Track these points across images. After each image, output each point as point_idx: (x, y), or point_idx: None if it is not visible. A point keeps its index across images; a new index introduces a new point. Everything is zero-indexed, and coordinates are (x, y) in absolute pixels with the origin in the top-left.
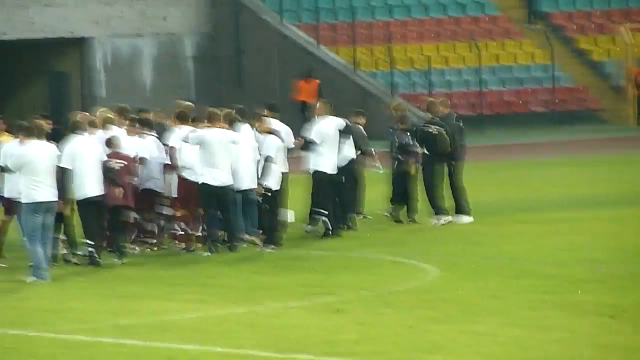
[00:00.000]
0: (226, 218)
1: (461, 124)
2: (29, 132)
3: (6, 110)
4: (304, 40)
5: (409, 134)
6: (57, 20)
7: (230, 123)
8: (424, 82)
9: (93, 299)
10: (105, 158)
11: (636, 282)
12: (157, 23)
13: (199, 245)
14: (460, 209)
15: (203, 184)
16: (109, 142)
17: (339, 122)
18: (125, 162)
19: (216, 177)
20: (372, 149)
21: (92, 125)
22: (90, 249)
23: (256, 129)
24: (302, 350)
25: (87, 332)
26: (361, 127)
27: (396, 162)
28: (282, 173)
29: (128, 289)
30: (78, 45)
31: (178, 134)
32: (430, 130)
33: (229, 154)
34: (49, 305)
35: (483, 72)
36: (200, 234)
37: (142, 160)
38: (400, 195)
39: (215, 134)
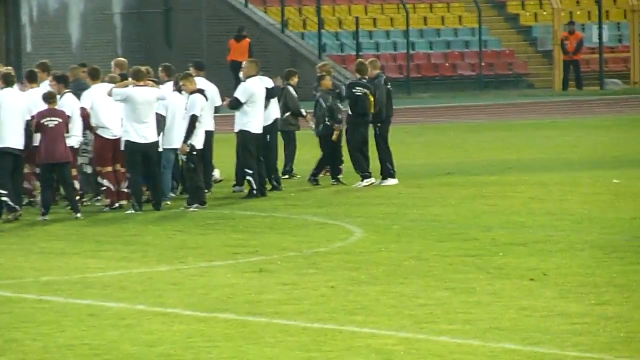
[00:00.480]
0: (151, 175)
1: (389, 86)
2: None
3: None
4: None
5: (331, 96)
6: None
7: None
8: (352, 44)
9: (16, 254)
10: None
11: (557, 246)
12: None
13: (124, 202)
14: (385, 172)
15: (127, 141)
16: (46, 98)
17: (266, 82)
18: (60, 120)
19: (141, 134)
20: (303, 110)
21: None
22: (3, 198)
23: (182, 88)
24: (225, 309)
25: (10, 288)
26: (292, 88)
27: (321, 125)
28: (208, 132)
29: (51, 246)
30: None
31: (92, 92)
32: (355, 91)
33: (153, 111)
34: None
35: (411, 35)
36: (125, 190)
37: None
38: (326, 157)
39: (141, 91)
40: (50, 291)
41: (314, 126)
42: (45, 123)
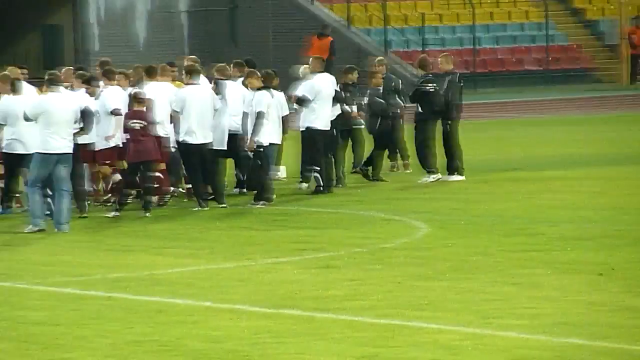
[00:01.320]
0: (207, 174)
1: (462, 83)
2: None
3: (0, 62)
4: None
5: (381, 90)
6: None
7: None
8: (418, 40)
9: (84, 252)
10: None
11: (625, 240)
12: None
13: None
14: (452, 168)
15: (184, 142)
16: (131, 100)
17: (333, 80)
18: (144, 122)
19: (198, 135)
20: (352, 107)
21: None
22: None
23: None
24: (291, 305)
25: (78, 285)
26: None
27: (375, 122)
28: (275, 129)
29: (119, 243)
30: None
31: (148, 89)
32: (423, 87)
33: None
34: (40, 258)
35: (477, 30)
36: (172, 189)
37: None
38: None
39: (195, 92)
40: (118, 288)
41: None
42: (132, 125)
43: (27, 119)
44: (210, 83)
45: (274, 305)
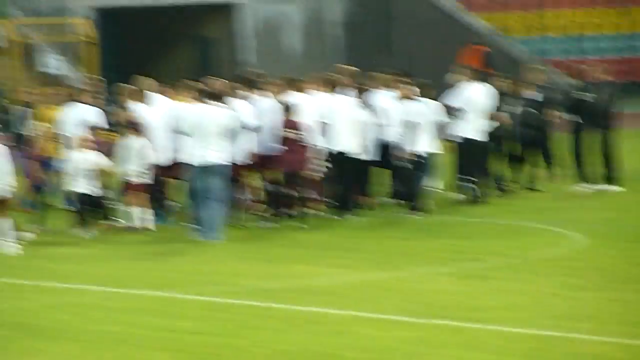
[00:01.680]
0: (362, 185)
1: (618, 92)
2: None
3: (158, 74)
4: (454, 6)
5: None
6: None
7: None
8: (575, 49)
9: (239, 262)
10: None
11: None
12: None
13: (318, 210)
14: (610, 178)
15: (338, 152)
16: (285, 109)
17: (489, 90)
18: (299, 132)
19: (343, 144)
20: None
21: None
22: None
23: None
24: (445, 316)
25: (233, 295)
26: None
27: (520, 131)
28: (431, 139)
29: (273, 253)
30: (228, 10)
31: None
32: (578, 96)
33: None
34: (195, 267)
35: (636, 39)
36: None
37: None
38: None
39: (339, 102)
40: (273, 298)
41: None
42: (287, 134)
43: (182, 132)
44: (365, 93)
45: (428, 315)
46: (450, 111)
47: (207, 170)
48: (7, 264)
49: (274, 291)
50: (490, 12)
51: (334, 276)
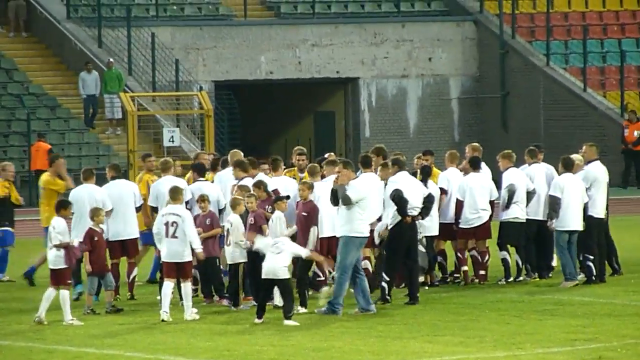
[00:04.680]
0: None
1: None
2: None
3: (272, 147)
4: (571, 83)
5: None
6: (323, 60)
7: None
8: None
9: (355, 338)
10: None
11: None
12: (422, 64)
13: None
14: None
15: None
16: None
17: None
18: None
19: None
20: None
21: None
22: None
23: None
24: None
25: None
26: None
27: None
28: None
29: (388, 329)
30: (343, 85)
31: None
32: None
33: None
34: (311, 343)
35: None
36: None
37: None
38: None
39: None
40: None
41: None
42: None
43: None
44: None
45: None
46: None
47: (363, 243)
48: (122, 337)
49: None
50: (607, 89)
51: (449, 354)
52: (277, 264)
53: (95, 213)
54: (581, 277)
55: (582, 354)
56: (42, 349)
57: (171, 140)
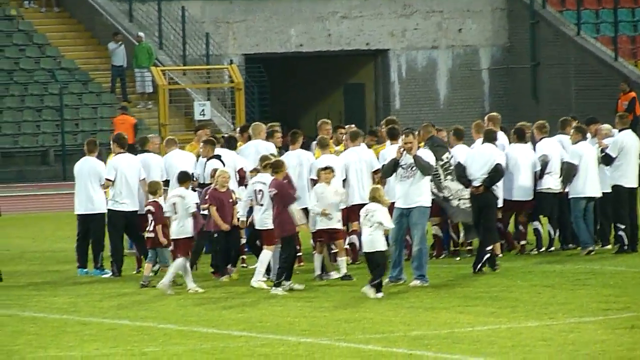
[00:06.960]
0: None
1: None
2: None
3: (302, 120)
4: (602, 52)
5: None
6: (353, 32)
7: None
8: None
9: (387, 309)
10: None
11: None
12: (452, 35)
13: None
14: None
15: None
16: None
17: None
18: None
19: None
20: None
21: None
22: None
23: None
24: None
25: (380, 342)
26: None
27: None
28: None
29: (420, 300)
30: (373, 57)
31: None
32: None
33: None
34: (343, 314)
35: None
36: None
37: None
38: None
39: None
40: (419, 346)
41: None
42: None
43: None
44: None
45: None
46: (601, 159)
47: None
48: (155, 309)
49: (421, 339)
50: (638, 58)
51: (481, 325)
52: (374, 236)
53: (155, 187)
54: (611, 246)
55: (614, 323)
56: (77, 321)
57: (202, 113)
